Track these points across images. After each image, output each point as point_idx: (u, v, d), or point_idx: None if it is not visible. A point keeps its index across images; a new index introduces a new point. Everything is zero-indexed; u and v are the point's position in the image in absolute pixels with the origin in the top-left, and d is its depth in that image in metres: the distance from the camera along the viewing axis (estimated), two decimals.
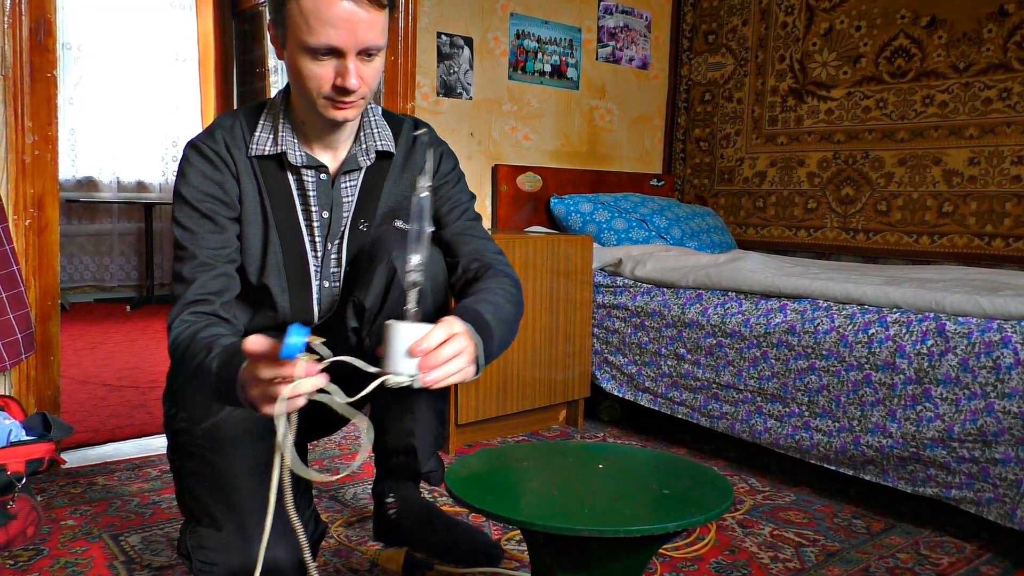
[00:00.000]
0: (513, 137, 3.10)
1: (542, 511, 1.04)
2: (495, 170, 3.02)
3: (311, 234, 1.48)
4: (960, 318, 1.84)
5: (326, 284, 1.51)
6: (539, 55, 3.15)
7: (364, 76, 1.31)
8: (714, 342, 2.26)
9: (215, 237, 1.41)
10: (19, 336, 2.00)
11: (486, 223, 3.05)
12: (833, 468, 2.01)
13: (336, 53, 1.28)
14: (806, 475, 2.19)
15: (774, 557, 1.68)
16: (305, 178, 1.46)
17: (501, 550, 1.64)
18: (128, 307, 5.09)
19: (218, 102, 5.37)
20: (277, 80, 4.58)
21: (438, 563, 1.62)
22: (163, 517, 1.81)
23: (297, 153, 1.44)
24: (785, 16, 3.25)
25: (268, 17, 1.39)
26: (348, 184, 1.49)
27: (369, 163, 1.49)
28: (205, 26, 5.49)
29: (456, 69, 2.92)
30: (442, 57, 2.88)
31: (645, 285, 2.54)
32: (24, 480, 1.66)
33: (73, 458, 2.21)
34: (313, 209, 1.47)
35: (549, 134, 3.22)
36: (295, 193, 1.47)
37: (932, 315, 1.89)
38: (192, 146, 1.43)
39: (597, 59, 3.34)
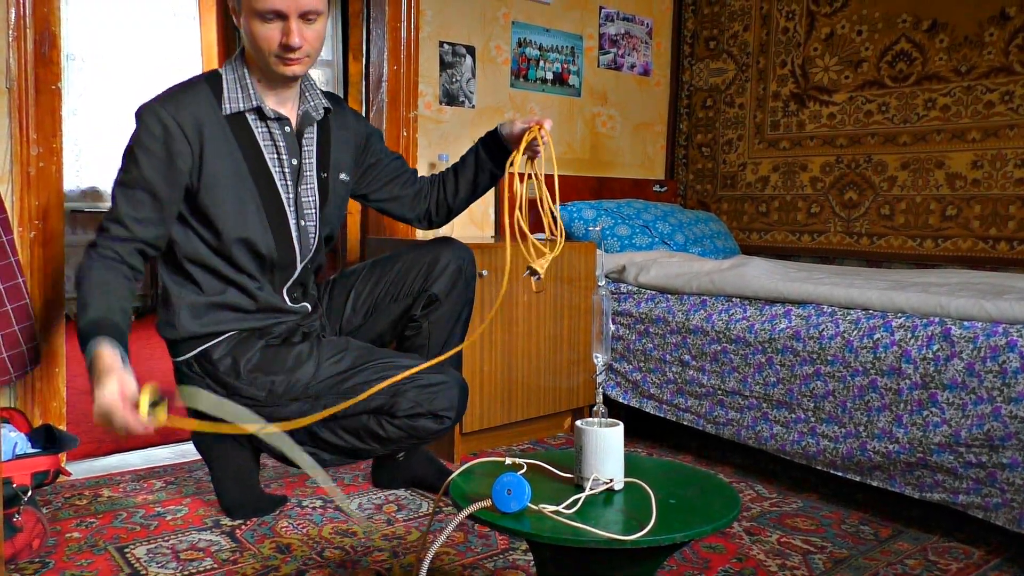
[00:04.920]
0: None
1: (548, 523, 1.04)
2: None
3: (283, 179, 1.71)
4: (965, 322, 1.84)
5: (301, 223, 1.75)
6: (541, 63, 3.16)
7: (306, 36, 1.60)
8: (719, 348, 2.26)
9: (154, 204, 1.63)
10: (24, 348, 2.01)
11: (488, 231, 3.05)
12: (840, 474, 2.00)
13: (281, 16, 1.56)
14: (813, 481, 2.19)
15: (782, 565, 1.68)
16: (274, 130, 1.70)
17: None
18: (133, 316, 5.09)
19: None
20: None
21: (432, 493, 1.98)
22: (168, 529, 1.81)
23: (267, 107, 1.68)
24: (786, 21, 3.25)
25: None
26: (308, 135, 1.76)
27: (319, 118, 1.77)
28: (208, 36, 5.51)
29: (458, 78, 2.93)
30: (444, 66, 2.89)
31: (649, 292, 2.54)
32: (29, 493, 1.66)
33: (78, 469, 2.21)
34: (283, 157, 1.71)
35: (551, 141, 3.21)
36: (264, 144, 1.70)
37: (937, 320, 1.88)
38: (150, 110, 1.63)
39: (599, 66, 3.35)
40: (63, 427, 2.23)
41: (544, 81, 3.17)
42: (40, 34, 2.15)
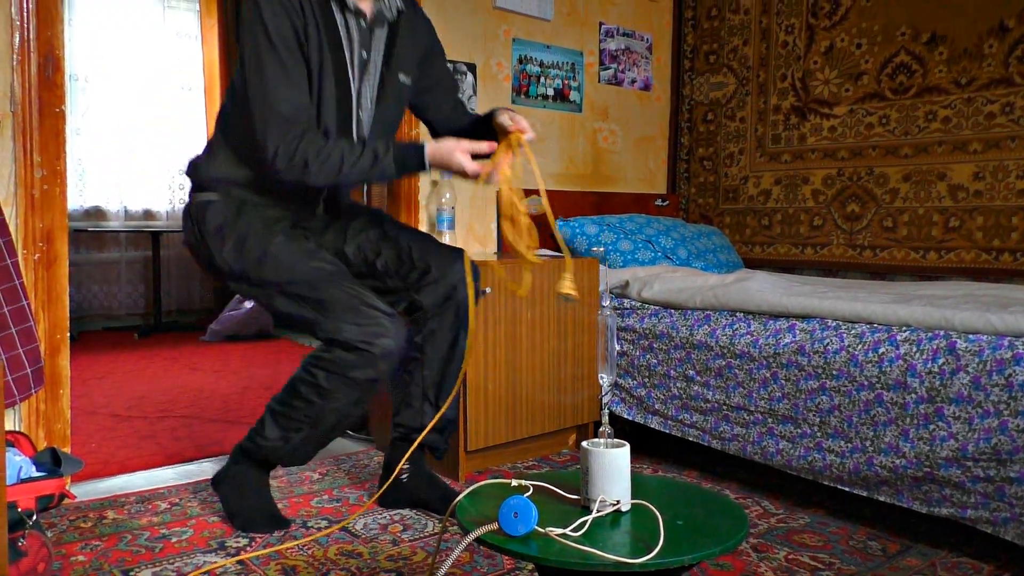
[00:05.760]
0: (517, 161, 3.10)
1: (555, 546, 1.04)
2: (499, 195, 3.02)
3: (352, 71, 1.85)
4: (971, 335, 1.84)
5: (360, 113, 1.88)
6: (542, 79, 3.17)
7: None
8: (723, 363, 2.25)
9: (299, 72, 1.75)
10: (29, 371, 2.01)
11: (491, 247, 3.05)
12: (847, 489, 1.99)
13: None
14: (820, 496, 2.18)
15: None
16: (350, 21, 1.83)
17: None
18: (136, 335, 5.10)
19: None
20: None
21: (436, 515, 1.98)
22: (174, 551, 1.81)
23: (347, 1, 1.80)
24: (785, 35, 3.26)
25: None
26: (379, 32, 1.89)
27: (391, 19, 1.90)
28: (211, 55, 5.54)
29: (460, 95, 2.93)
30: None
31: (652, 307, 2.54)
32: (35, 517, 1.66)
33: (82, 491, 2.21)
34: (356, 49, 1.85)
35: (553, 157, 3.23)
36: (343, 33, 1.82)
37: (942, 333, 1.88)
38: None
39: (599, 82, 3.36)
40: (68, 449, 2.23)
41: (545, 97, 3.18)
42: (44, 57, 2.17)
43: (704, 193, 3.57)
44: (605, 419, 1.19)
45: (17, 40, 2.12)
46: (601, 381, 1.18)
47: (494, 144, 1.78)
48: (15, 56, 2.12)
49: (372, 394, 1.86)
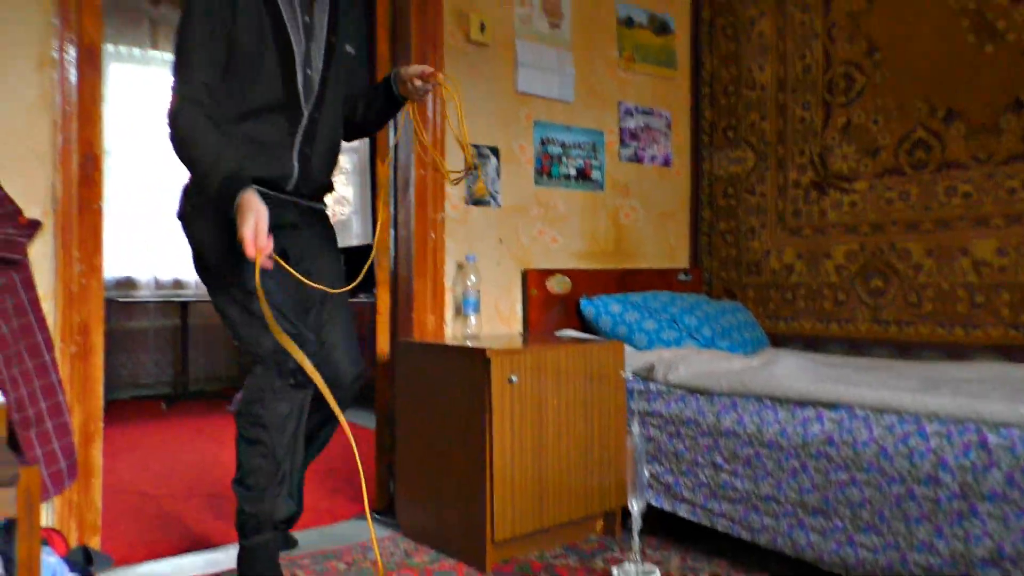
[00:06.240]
0: (541, 240, 3.15)
1: None
2: (524, 275, 3.07)
3: (296, 34, 2.04)
4: (1002, 429, 1.82)
5: (308, 71, 2.07)
6: (564, 159, 3.23)
7: None
8: (752, 452, 2.24)
9: (213, 45, 1.93)
10: (63, 465, 2.04)
11: (516, 327, 3.08)
12: None
13: None
14: None
15: None
16: None
17: None
18: (163, 404, 5.15)
19: None
20: None
21: None
22: None
23: None
24: (802, 111, 3.31)
25: None
26: (320, 3, 2.10)
27: None
28: None
29: (484, 178, 3.00)
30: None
31: (679, 391, 2.53)
32: None
33: None
34: (297, 13, 2.05)
35: (576, 235, 3.27)
36: (281, 2, 2.02)
37: (973, 427, 1.86)
38: None
39: (620, 160, 3.42)
40: (98, 538, 2.25)
41: (567, 177, 3.24)
42: (84, 156, 2.25)
43: (727, 267, 3.59)
44: (635, 547, 1.19)
45: (60, 140, 2.21)
46: (632, 508, 1.18)
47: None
48: (57, 156, 2.21)
49: (303, 399, 2.03)
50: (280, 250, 2.03)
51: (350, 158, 5.60)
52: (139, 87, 5.48)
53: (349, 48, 2.19)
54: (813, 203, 3.28)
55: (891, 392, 2.07)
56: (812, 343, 3.22)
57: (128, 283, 5.43)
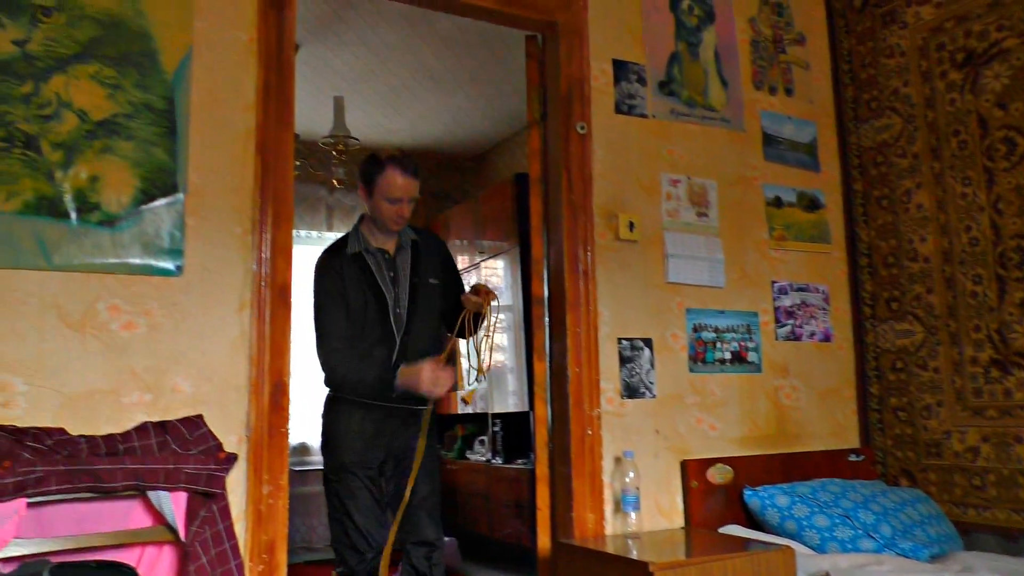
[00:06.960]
0: (699, 429, 3.11)
1: None
2: (684, 465, 3.02)
3: (385, 283, 2.80)
4: None
5: (397, 310, 2.80)
6: (718, 344, 3.22)
7: (407, 212, 2.80)
8: None
9: (338, 314, 2.77)
10: None
11: (678, 521, 3.00)
12: None
13: (399, 201, 2.77)
14: None
15: None
16: (377, 257, 2.83)
17: None
18: (335, 571, 5.32)
19: None
20: None
21: None
22: None
23: (372, 247, 2.84)
24: (974, 285, 3.14)
25: (359, 183, 2.86)
26: (402, 257, 2.87)
27: (407, 246, 2.88)
28: None
29: (638, 370, 3.03)
30: (623, 361, 3.01)
31: None
32: None
33: None
34: (384, 271, 2.82)
35: (735, 421, 3.20)
36: (373, 266, 2.81)
37: None
38: (323, 255, 2.89)
39: (777, 339, 3.36)
40: None
41: (723, 362, 3.21)
42: (274, 386, 2.48)
43: (903, 446, 3.37)
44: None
45: (253, 373, 2.46)
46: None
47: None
48: (250, 388, 2.45)
49: None
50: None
51: (506, 316, 5.79)
52: None
53: (432, 280, 2.88)
54: (995, 382, 3.05)
55: None
56: (1009, 536, 2.93)
57: (302, 449, 5.78)
